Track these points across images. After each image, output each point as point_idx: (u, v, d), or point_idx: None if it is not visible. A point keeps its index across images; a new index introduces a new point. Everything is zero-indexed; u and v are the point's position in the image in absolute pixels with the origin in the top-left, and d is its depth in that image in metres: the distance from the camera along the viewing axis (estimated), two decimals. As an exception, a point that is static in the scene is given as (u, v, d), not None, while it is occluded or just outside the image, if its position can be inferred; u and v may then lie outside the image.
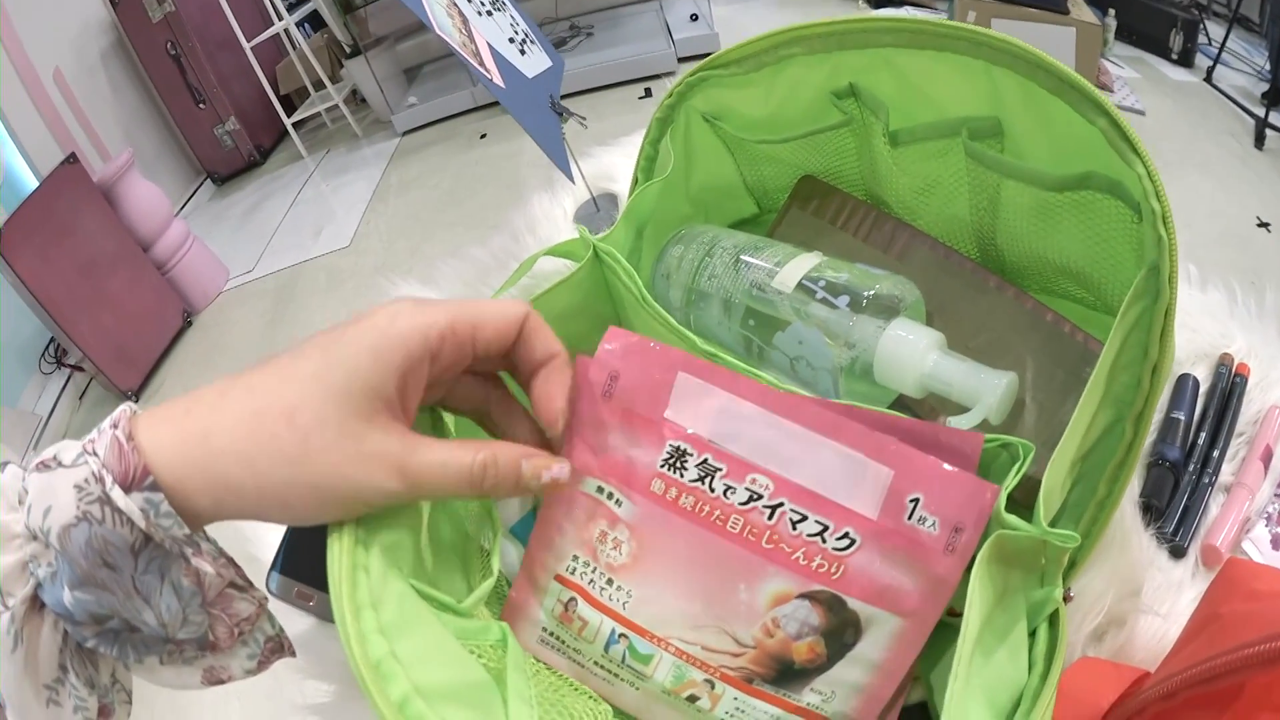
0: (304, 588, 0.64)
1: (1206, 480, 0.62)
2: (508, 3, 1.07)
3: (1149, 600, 0.54)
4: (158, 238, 3.12)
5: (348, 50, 3.86)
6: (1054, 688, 0.37)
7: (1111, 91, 2.71)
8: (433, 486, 0.36)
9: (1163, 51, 2.94)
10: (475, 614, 0.41)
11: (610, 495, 0.43)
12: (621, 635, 0.43)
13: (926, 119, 0.54)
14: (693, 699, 0.42)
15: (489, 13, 0.98)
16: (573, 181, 1.02)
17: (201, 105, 4.01)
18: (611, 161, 1.10)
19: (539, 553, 0.45)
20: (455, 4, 0.93)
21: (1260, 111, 2.47)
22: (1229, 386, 0.68)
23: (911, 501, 0.38)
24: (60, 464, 0.31)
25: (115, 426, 0.32)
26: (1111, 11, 2.92)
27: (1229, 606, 0.38)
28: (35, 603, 0.31)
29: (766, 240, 0.58)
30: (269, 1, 3.59)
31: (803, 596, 0.40)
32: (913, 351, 0.47)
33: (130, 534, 0.30)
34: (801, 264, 0.53)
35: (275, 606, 0.49)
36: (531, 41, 1.04)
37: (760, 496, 0.40)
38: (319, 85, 4.06)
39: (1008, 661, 0.38)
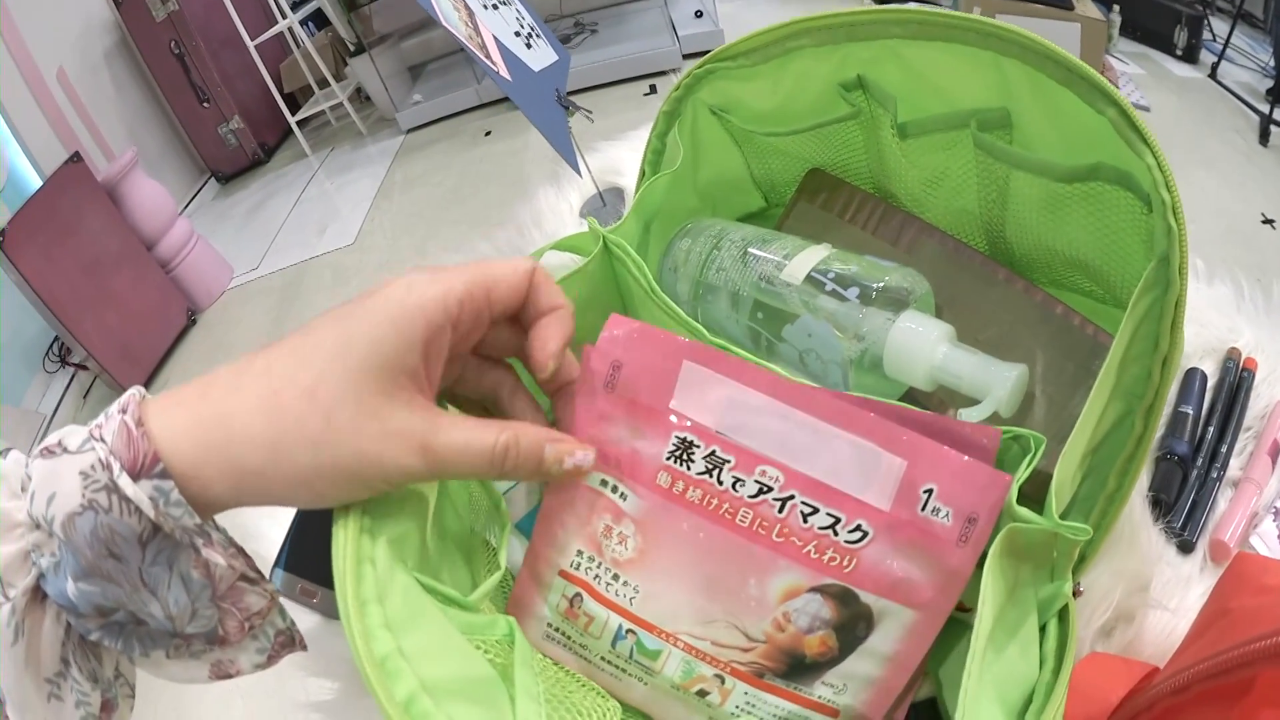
0: (308, 584, 0.64)
1: (1215, 475, 0.62)
2: (512, -3, 1.06)
3: (1158, 595, 0.54)
4: (162, 236, 3.13)
5: (351, 48, 3.87)
6: (1065, 684, 0.37)
7: (1116, 87, 2.71)
8: (454, 467, 0.35)
9: (1167, 48, 2.94)
10: (480, 608, 0.40)
11: (615, 489, 0.42)
12: (629, 631, 0.42)
13: (935, 111, 0.53)
14: (702, 694, 0.41)
15: (494, 6, 0.98)
16: (579, 175, 1.02)
17: (205, 104, 4.01)
18: (617, 156, 1.09)
19: (542, 548, 0.44)
20: (460, -2, 0.93)
21: (1265, 108, 2.46)
22: (1237, 381, 0.67)
23: (925, 492, 0.38)
24: (65, 450, 0.30)
25: (124, 411, 0.31)
26: (1116, 7, 2.92)
27: (1238, 601, 0.38)
28: (37, 594, 0.30)
29: (774, 233, 0.58)
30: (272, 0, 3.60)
31: (814, 590, 0.39)
32: (923, 344, 0.47)
33: (138, 524, 0.29)
34: (810, 256, 0.53)
35: (280, 602, 0.49)
36: (537, 35, 1.04)
37: (770, 489, 0.39)
38: (323, 83, 4.06)
39: (1019, 657, 0.38)
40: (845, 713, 0.41)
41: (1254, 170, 2.36)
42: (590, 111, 1.15)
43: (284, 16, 3.65)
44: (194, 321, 3.19)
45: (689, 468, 0.41)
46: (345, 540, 0.33)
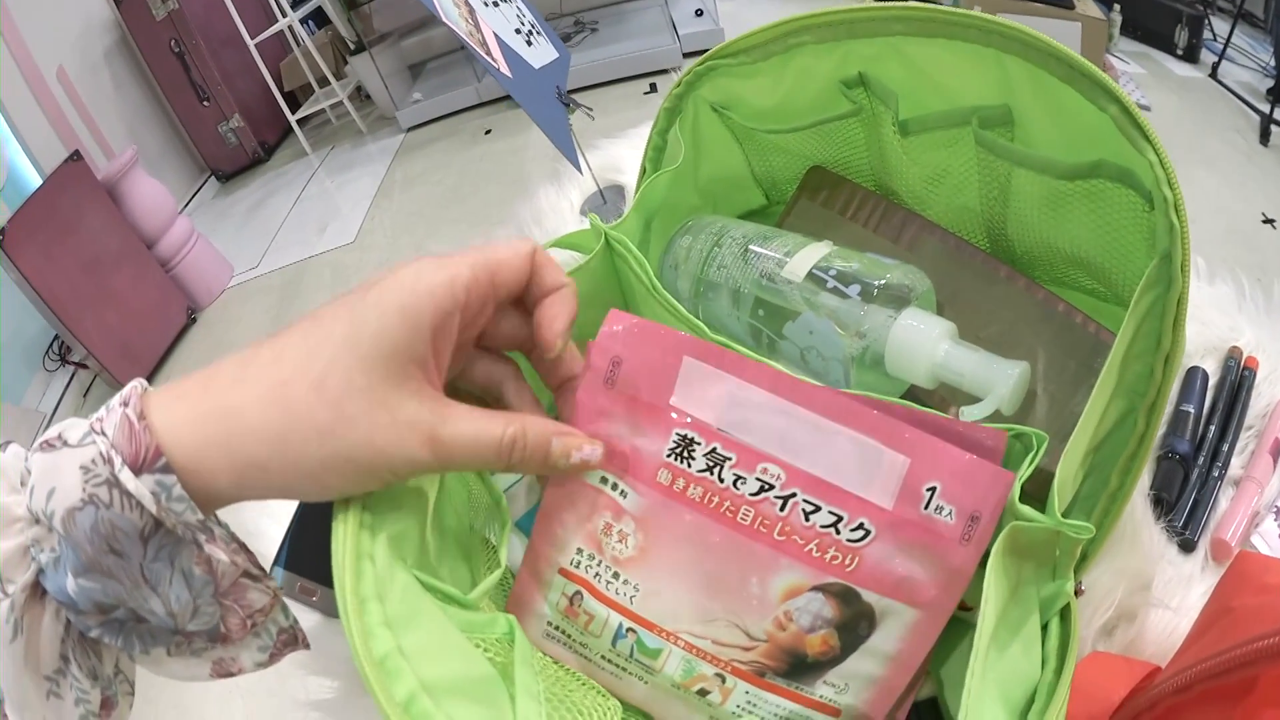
0: (307, 583, 0.64)
1: (1216, 474, 0.62)
2: (513, -5, 1.06)
3: (1159, 594, 0.54)
4: (162, 235, 3.13)
5: (352, 46, 3.87)
6: (1068, 684, 0.37)
7: (1117, 86, 2.71)
8: (461, 459, 0.35)
9: (1168, 47, 2.93)
10: (480, 606, 0.40)
11: (615, 486, 0.42)
12: (629, 630, 0.42)
13: (936, 108, 0.53)
14: (703, 693, 0.41)
15: (495, 4, 0.98)
16: (580, 172, 1.02)
17: (205, 102, 4.01)
18: (618, 153, 1.09)
19: (542, 545, 0.44)
20: (461, -4, 0.93)
21: (1265, 108, 2.46)
22: (1238, 380, 0.67)
23: (928, 490, 0.38)
24: (66, 443, 0.29)
25: (126, 404, 0.30)
26: (1117, 6, 2.91)
27: (1240, 600, 0.38)
28: (36, 590, 0.30)
29: (775, 230, 0.58)
30: (272, -2, 3.61)
31: (816, 589, 0.39)
32: (924, 341, 0.47)
33: (140, 519, 0.29)
34: (812, 253, 0.53)
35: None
36: (538, 33, 1.04)
37: (771, 487, 0.39)
38: (323, 82, 4.06)
39: (1021, 656, 0.38)
40: (847, 712, 0.41)
41: (1254, 170, 2.36)
42: (591, 108, 1.15)
43: (284, 15, 3.65)
44: (194, 320, 3.19)
45: (690, 465, 0.40)
46: (344, 536, 0.33)
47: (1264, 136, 2.44)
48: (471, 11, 0.91)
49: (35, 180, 3.00)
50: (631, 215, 0.58)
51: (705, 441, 0.40)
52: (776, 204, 0.74)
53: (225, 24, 3.63)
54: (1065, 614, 0.40)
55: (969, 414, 0.44)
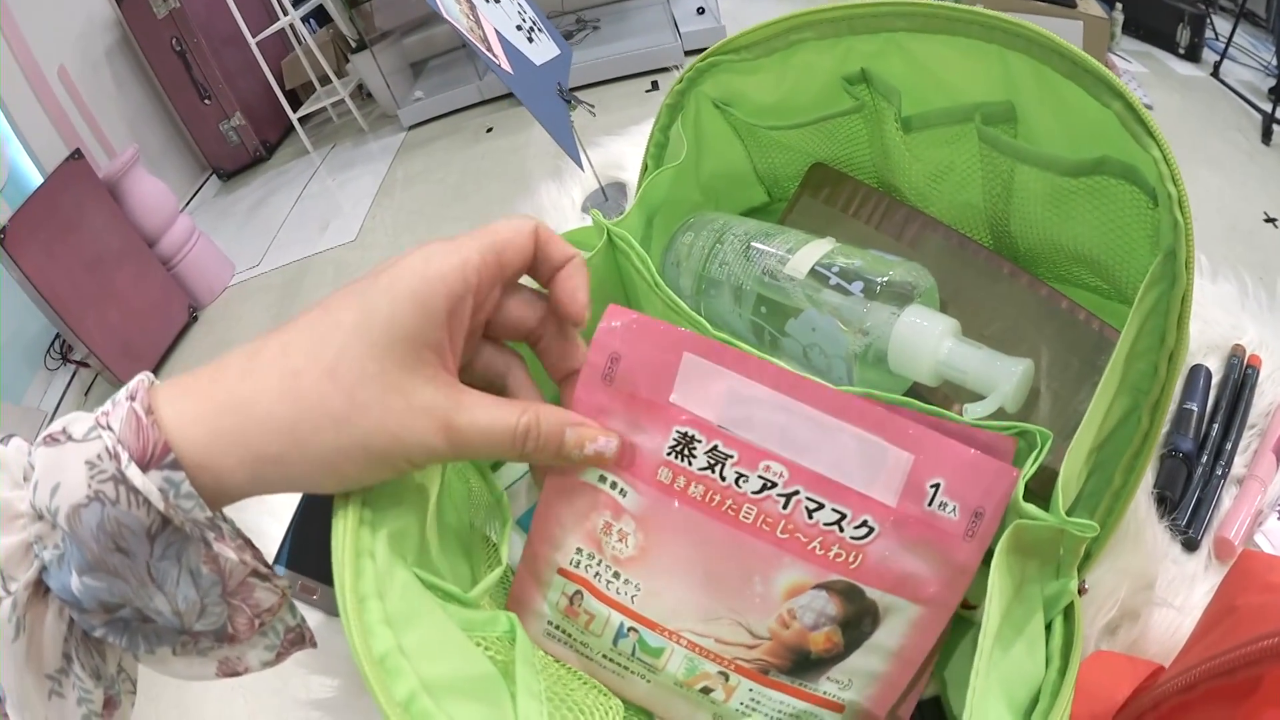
0: (308, 581, 0.64)
1: (1219, 472, 0.62)
2: (514, -8, 1.06)
3: (1162, 593, 0.54)
4: (163, 233, 3.13)
5: (353, 45, 3.86)
6: (1073, 684, 0.37)
7: (1120, 84, 2.71)
8: (475, 447, 0.34)
9: (1170, 46, 2.93)
10: (481, 605, 0.40)
11: (614, 485, 0.41)
12: (631, 629, 0.42)
13: (939, 104, 0.53)
14: (706, 691, 0.41)
15: (496, 0, 0.98)
16: (581, 168, 1.02)
17: (207, 101, 4.01)
18: (620, 150, 1.09)
19: (539, 545, 0.43)
20: (462, -7, 0.92)
21: (1267, 107, 2.45)
22: (1241, 378, 0.67)
23: (932, 487, 0.37)
24: (70, 438, 0.28)
25: (133, 398, 0.29)
26: (1119, 5, 2.91)
27: (1245, 599, 0.38)
28: (39, 588, 0.29)
29: (778, 227, 0.58)
30: (273, -3, 3.60)
31: (819, 587, 0.39)
32: (928, 338, 0.46)
33: (147, 516, 0.28)
34: (814, 250, 0.53)
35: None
36: (539, 29, 1.04)
37: (774, 484, 0.39)
38: (324, 80, 4.06)
39: (1025, 656, 0.38)
40: (850, 708, 0.40)
41: (1256, 169, 2.35)
42: (592, 105, 1.14)
43: (285, 13, 3.65)
44: (195, 318, 3.19)
45: (690, 463, 0.40)
46: (344, 533, 0.32)
47: (1266, 136, 2.43)
48: (473, 8, 0.91)
49: (36, 179, 2.99)
50: (633, 212, 0.58)
51: (706, 439, 0.40)
52: (779, 201, 0.73)
53: (226, 22, 3.62)
54: (1069, 613, 0.40)
55: (972, 411, 0.43)
